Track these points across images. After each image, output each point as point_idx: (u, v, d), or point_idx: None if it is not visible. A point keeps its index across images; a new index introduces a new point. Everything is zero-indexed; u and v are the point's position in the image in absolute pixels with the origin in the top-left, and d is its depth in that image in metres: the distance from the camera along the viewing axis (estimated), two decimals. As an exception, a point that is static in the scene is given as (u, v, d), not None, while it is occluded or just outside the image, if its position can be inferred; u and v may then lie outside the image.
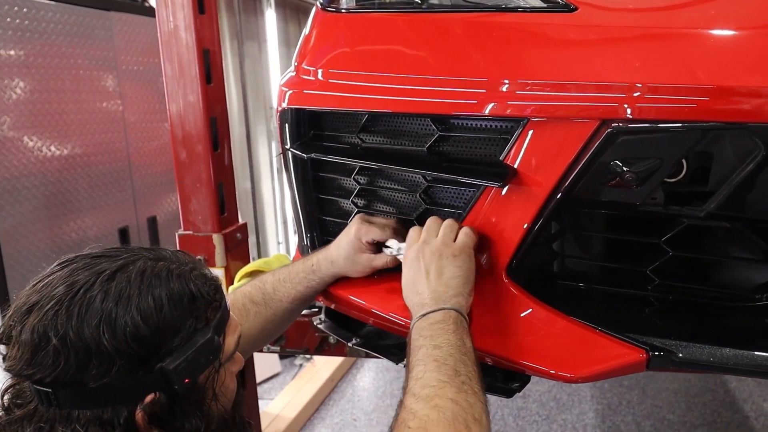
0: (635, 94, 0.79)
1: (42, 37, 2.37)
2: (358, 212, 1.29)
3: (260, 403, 3.90)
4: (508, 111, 0.94)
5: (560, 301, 0.97)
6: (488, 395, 0.90)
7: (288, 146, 1.29)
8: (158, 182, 3.03)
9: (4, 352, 0.82)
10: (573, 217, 0.94)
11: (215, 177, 1.82)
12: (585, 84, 0.84)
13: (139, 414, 0.80)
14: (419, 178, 1.15)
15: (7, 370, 0.81)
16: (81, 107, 2.56)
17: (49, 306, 0.78)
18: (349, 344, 1.30)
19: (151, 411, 0.81)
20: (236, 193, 1.98)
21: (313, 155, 1.22)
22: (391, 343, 1.27)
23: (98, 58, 2.67)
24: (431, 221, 1.05)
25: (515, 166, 0.95)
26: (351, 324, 1.38)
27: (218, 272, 1.83)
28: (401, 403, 0.84)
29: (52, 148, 2.40)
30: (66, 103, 2.47)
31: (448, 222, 1.04)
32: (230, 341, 0.91)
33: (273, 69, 4.44)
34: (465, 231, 1.01)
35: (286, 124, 1.30)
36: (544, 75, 0.90)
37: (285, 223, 5.25)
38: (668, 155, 0.82)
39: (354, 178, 1.25)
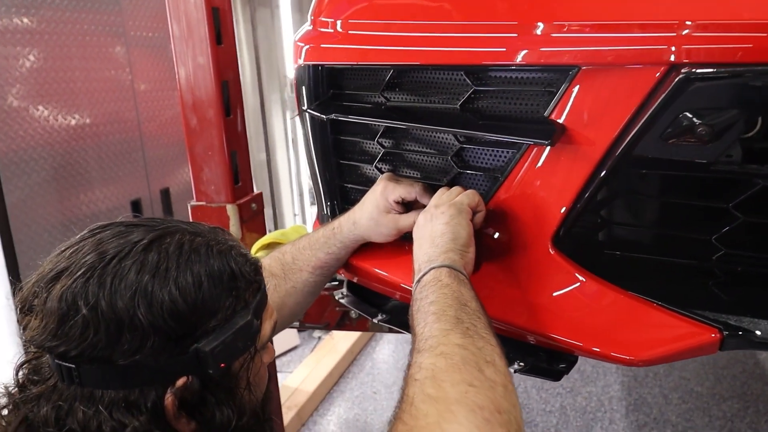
0: (715, 33, 0.68)
1: (46, 2, 2.27)
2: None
3: (279, 376, 3.86)
4: (555, 59, 0.83)
5: (611, 273, 0.87)
6: (533, 377, 0.81)
7: (305, 107, 1.18)
8: (171, 153, 2.94)
9: (24, 323, 0.74)
10: (629, 179, 0.83)
11: (228, 144, 1.72)
12: (650, 23, 0.73)
13: (169, 398, 0.72)
14: (451, 139, 1.04)
15: (28, 341, 0.73)
16: (89, 76, 2.46)
17: (79, 273, 0.70)
18: (374, 320, 1.21)
19: (182, 396, 0.73)
20: (251, 164, 1.88)
21: (333, 116, 1.12)
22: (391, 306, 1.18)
23: (105, 25, 2.57)
24: (440, 191, 1.01)
25: (563, 122, 0.84)
26: (375, 298, 1.29)
27: (233, 245, 1.74)
28: (408, 365, 0.78)
29: (60, 119, 2.31)
30: (73, 71, 2.37)
31: (453, 188, 1.00)
32: (267, 327, 0.83)
33: (286, 36, 4.31)
34: (466, 192, 0.97)
35: (303, 84, 1.19)
36: (599, 14, 0.78)
37: (301, 195, 5.17)
38: (749, 106, 0.71)
39: (378, 141, 1.15)
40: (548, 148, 0.85)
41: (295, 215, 5.22)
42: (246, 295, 0.79)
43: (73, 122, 2.38)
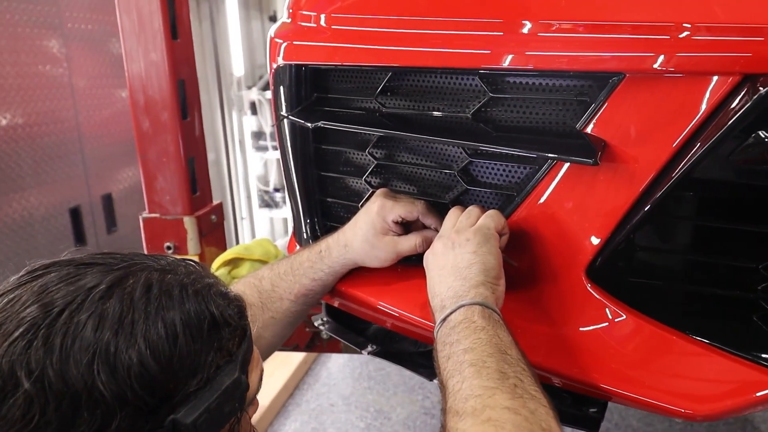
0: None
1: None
2: (372, 193, 1.05)
3: (230, 389, 3.67)
4: (596, 64, 0.72)
5: (653, 308, 0.76)
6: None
7: (285, 113, 1.04)
8: (112, 155, 2.71)
9: None
10: (683, 204, 0.72)
11: (185, 150, 1.56)
12: (721, 26, 0.62)
13: None
14: (458, 152, 0.92)
15: None
16: (21, 71, 2.23)
17: (17, 333, 0.54)
18: (364, 353, 1.08)
19: None
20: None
21: (320, 124, 0.98)
22: (414, 351, 1.05)
23: (39, 15, 2.33)
24: (454, 211, 0.87)
25: (603, 138, 0.73)
26: (356, 323, 1.16)
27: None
28: (442, 428, 0.65)
29: (-12, 118, 2.08)
30: (3, 66, 2.14)
31: (471, 208, 0.86)
32: (254, 380, 0.70)
33: (233, 32, 4.12)
34: (488, 213, 0.83)
35: (282, 85, 1.05)
36: (651, 12, 0.67)
37: (249, 197, 4.98)
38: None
39: (369, 152, 1.01)
40: (594, 166, 0.74)
41: (242, 218, 5.02)
42: (230, 344, 0.65)
43: (3, 122, 2.15)
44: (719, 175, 0.67)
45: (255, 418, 2.84)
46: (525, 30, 0.76)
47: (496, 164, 0.89)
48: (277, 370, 3.72)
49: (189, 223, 1.57)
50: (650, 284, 0.75)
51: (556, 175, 0.80)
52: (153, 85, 1.52)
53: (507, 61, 0.79)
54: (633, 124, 0.71)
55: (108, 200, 2.69)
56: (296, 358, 3.81)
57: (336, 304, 1.13)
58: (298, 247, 1.18)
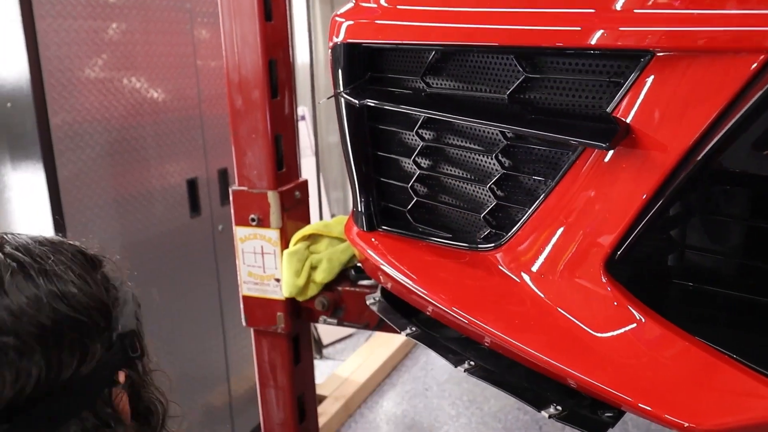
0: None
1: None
2: (420, 174, 1.05)
3: (330, 364, 3.80)
4: (624, 41, 0.67)
5: (678, 312, 0.70)
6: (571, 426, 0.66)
7: (340, 90, 1.06)
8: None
9: None
10: (709, 194, 0.66)
11: (272, 127, 1.62)
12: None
13: (121, 396, 0.66)
14: (497, 135, 0.89)
15: None
16: (151, 50, 2.42)
17: None
18: (404, 333, 1.08)
19: (130, 392, 0.69)
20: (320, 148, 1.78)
21: (366, 102, 0.99)
22: (453, 336, 1.04)
23: (171, -1, 2.52)
24: None
25: (628, 121, 0.68)
26: (405, 308, 1.16)
27: (273, 233, 1.65)
28: None
29: (117, 93, 2.29)
30: (133, 44, 2.34)
31: None
32: None
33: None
34: None
35: (339, 64, 1.07)
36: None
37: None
38: None
39: (417, 132, 1.01)
40: (608, 150, 0.69)
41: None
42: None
43: (131, 98, 2.35)
44: (752, 165, 0.60)
45: (349, 392, 2.91)
46: (554, 6, 0.72)
47: (530, 148, 0.85)
48: (377, 349, 3.79)
49: (272, 197, 1.63)
50: (674, 283, 0.69)
51: (587, 161, 0.75)
52: (246, 64, 1.59)
53: (539, 39, 0.75)
54: (659, 107, 0.65)
55: (224, 174, 2.86)
56: (397, 339, 3.86)
57: (387, 285, 1.14)
58: (355, 228, 1.20)
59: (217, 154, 2.82)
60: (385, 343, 3.81)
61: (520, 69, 0.80)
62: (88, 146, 2.19)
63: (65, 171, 2.10)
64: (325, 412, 3.11)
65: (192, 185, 2.70)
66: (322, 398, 3.23)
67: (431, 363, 3.79)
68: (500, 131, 0.87)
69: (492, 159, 0.90)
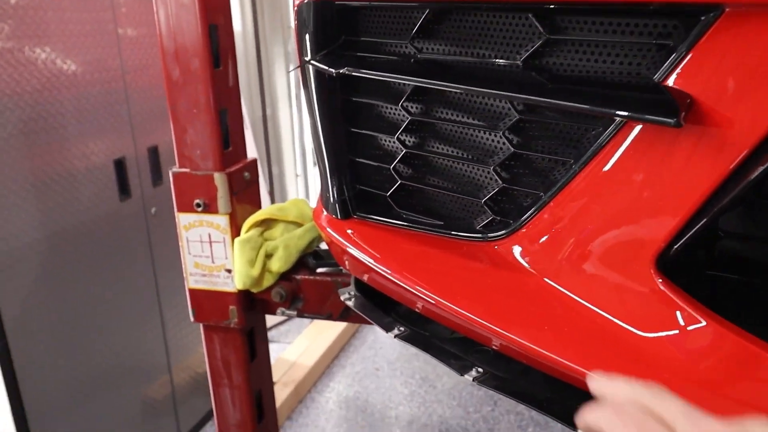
0: None
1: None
2: (406, 153, 0.91)
3: (276, 347, 3.65)
4: (685, -7, 0.55)
5: (746, 315, 0.60)
6: None
7: (308, 58, 0.90)
8: (160, 107, 2.65)
9: None
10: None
11: (216, 101, 1.44)
12: None
13: None
14: (505, 107, 0.77)
15: None
16: (62, 16, 2.16)
17: None
18: (391, 335, 0.96)
19: None
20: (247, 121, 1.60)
21: (345, 71, 0.84)
22: (448, 336, 0.92)
23: (85, -42, 2.25)
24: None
25: (688, 93, 0.57)
26: (385, 300, 1.04)
27: (221, 220, 1.48)
28: None
29: (28, 64, 2.02)
30: (44, 10, 2.07)
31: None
32: None
33: (290, -19, 3.96)
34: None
35: (306, 27, 0.91)
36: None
37: (303, 155, 4.90)
38: None
39: (403, 106, 0.87)
40: (678, 127, 0.58)
41: (297, 176, 4.97)
42: None
43: (46, 70, 2.09)
44: None
45: (299, 377, 2.76)
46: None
47: (550, 123, 0.73)
48: (324, 331, 3.67)
49: (219, 179, 1.46)
50: (736, 282, 0.60)
51: (625, 139, 0.64)
52: (183, 30, 1.40)
53: (569, -8, 0.63)
54: (732, 77, 0.54)
55: (154, 152, 2.64)
56: (343, 319, 3.75)
57: (365, 279, 1.01)
58: (324, 213, 1.06)
59: (145, 130, 2.59)
60: (329, 325, 3.69)
61: (540, 30, 0.68)
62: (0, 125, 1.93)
63: (-28, 155, 1.85)
64: (275, 398, 2.97)
65: (120, 165, 2.47)
66: (269, 384, 3.08)
67: (380, 342, 3.70)
68: (511, 103, 0.75)
69: (498, 136, 0.78)
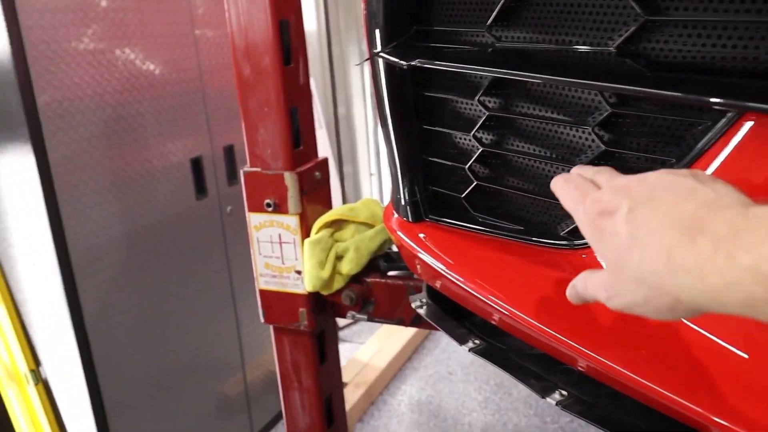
0: None
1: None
2: (483, 152, 0.84)
3: (348, 347, 3.64)
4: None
5: None
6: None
7: (378, 50, 0.85)
8: (236, 106, 2.68)
9: None
10: None
11: (286, 99, 1.41)
12: None
13: None
14: (596, 100, 0.68)
15: None
16: (141, 18, 2.20)
17: None
18: (465, 348, 0.89)
19: None
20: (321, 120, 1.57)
21: (416, 63, 0.78)
22: (527, 353, 0.84)
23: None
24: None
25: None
26: (458, 309, 0.97)
27: (292, 220, 1.45)
28: None
29: (109, 66, 2.07)
30: (124, 12, 2.12)
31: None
32: None
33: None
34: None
35: (375, 17, 0.86)
36: None
37: (378, 153, 4.88)
38: None
39: (480, 101, 0.80)
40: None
41: (371, 175, 4.95)
42: None
43: (126, 71, 2.14)
44: None
45: (371, 379, 2.70)
46: None
47: (647, 118, 0.65)
48: (397, 332, 3.62)
49: (289, 179, 1.43)
50: None
51: (738, 134, 0.55)
52: (253, 26, 1.38)
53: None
54: None
55: (230, 151, 2.66)
56: (416, 320, 3.69)
57: (438, 287, 0.95)
58: (395, 215, 1.01)
59: (221, 129, 2.62)
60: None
61: (638, 10, 0.59)
62: (81, 125, 1.98)
63: (57, 153, 1.90)
64: (346, 400, 2.95)
65: (196, 164, 2.50)
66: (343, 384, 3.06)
67: (453, 345, 3.61)
68: (602, 96, 0.66)
69: (587, 132, 0.70)
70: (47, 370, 2.11)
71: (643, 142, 0.66)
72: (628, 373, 0.59)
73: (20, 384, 2.09)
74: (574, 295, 0.58)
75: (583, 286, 0.56)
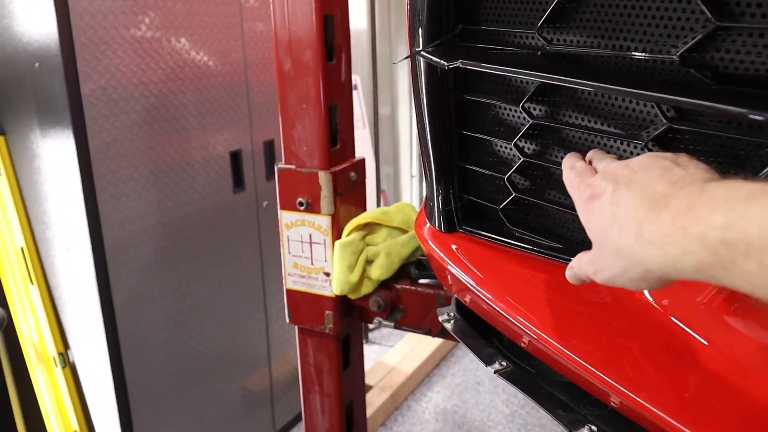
0: None
1: None
2: (524, 162, 0.79)
3: (376, 349, 3.60)
4: None
5: None
6: None
7: (419, 48, 0.80)
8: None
9: None
10: None
11: (326, 96, 1.38)
12: None
13: None
14: (651, 112, 0.63)
15: None
16: (190, 8, 2.20)
17: None
18: (491, 369, 0.83)
19: None
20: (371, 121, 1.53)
21: (458, 64, 0.73)
22: (557, 380, 0.78)
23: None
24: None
25: None
26: (488, 327, 0.91)
27: (323, 220, 1.42)
28: None
29: (155, 55, 2.07)
30: (173, 2, 2.12)
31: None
32: None
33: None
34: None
35: (418, 14, 0.81)
36: None
37: (419, 156, 4.84)
38: None
39: (524, 107, 0.75)
40: None
41: (412, 177, 4.91)
42: None
43: (170, 61, 2.13)
44: None
45: (396, 383, 2.64)
46: None
47: (708, 135, 0.58)
48: (425, 337, 3.56)
49: (324, 178, 1.40)
50: None
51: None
52: (297, 19, 1.35)
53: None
54: None
55: (270, 146, 2.65)
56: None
57: (467, 302, 0.90)
58: (427, 224, 0.96)
59: (263, 124, 2.60)
60: (434, 330, 3.59)
61: (708, 15, 0.53)
62: (123, 113, 1.99)
63: (97, 139, 1.91)
64: (370, 404, 2.91)
65: (236, 157, 2.49)
66: (367, 388, 3.03)
67: (484, 354, 3.55)
68: (659, 109, 0.60)
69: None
70: (75, 354, 2.12)
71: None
72: (669, 419, 0.54)
73: (48, 366, 2.11)
74: (571, 275, 0.62)
75: (578, 264, 0.60)
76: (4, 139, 2.06)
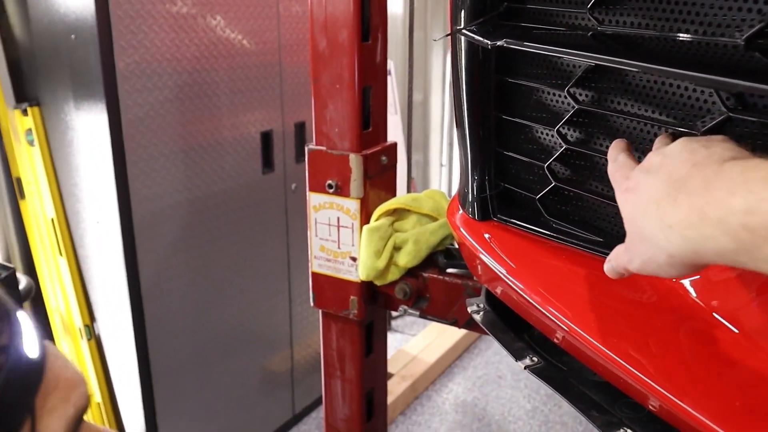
0: None
1: None
2: (566, 150, 0.75)
3: (399, 337, 3.58)
4: None
5: None
6: None
7: (460, 26, 0.77)
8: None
9: None
10: None
11: (360, 77, 1.35)
12: None
13: None
14: (710, 99, 0.59)
15: None
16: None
17: None
18: (521, 364, 0.80)
19: None
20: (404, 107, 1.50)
21: (502, 43, 0.69)
22: (591, 379, 0.75)
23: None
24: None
25: None
26: (516, 319, 0.88)
27: (352, 204, 1.39)
28: None
29: (190, 31, 2.06)
30: (212, -21, 2.10)
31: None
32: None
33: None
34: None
35: (463, -9, 0.78)
36: None
37: (451, 143, 4.78)
38: None
39: (570, 92, 0.71)
40: None
41: (442, 165, 4.86)
42: None
43: (202, 38, 2.12)
44: None
45: (417, 372, 2.60)
46: None
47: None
48: (449, 328, 3.54)
49: (354, 161, 1.37)
50: None
51: None
52: (334, -2, 1.32)
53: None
54: None
55: (301, 128, 2.63)
56: (472, 319, 3.59)
57: (498, 293, 0.86)
58: (460, 211, 0.93)
59: (295, 105, 2.59)
60: (457, 322, 3.55)
61: (779, -5, 0.49)
62: (156, 88, 1.98)
63: (130, 114, 1.91)
64: (391, 392, 2.90)
65: (266, 138, 2.48)
66: (388, 376, 3.01)
67: (507, 348, 3.51)
68: (719, 96, 0.56)
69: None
70: (101, 327, 2.14)
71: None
72: (716, 427, 0.50)
73: (74, 337, 2.14)
74: (609, 268, 0.60)
75: (615, 256, 0.59)
76: (39, 111, 2.07)
